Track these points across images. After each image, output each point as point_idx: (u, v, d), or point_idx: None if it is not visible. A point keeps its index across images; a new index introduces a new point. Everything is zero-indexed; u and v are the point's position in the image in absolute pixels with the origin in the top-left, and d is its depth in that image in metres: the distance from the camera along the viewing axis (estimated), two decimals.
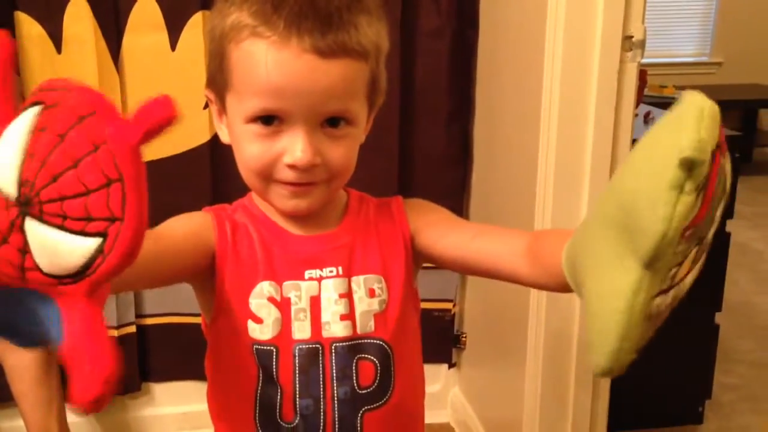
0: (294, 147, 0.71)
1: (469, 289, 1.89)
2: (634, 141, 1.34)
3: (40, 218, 0.43)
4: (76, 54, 1.53)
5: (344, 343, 0.78)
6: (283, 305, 0.77)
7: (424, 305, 1.92)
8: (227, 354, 0.80)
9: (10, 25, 1.50)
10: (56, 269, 0.44)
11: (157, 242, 0.69)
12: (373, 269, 0.80)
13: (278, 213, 0.80)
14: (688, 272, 0.53)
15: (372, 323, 0.78)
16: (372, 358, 0.79)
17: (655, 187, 0.48)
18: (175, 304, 1.74)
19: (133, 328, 1.73)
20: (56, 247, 0.43)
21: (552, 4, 1.29)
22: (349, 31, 0.70)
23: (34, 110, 0.45)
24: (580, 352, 1.43)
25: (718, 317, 1.94)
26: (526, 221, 1.41)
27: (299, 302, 0.77)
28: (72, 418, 1.66)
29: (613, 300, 0.52)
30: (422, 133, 1.75)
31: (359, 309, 0.78)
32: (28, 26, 1.50)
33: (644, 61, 1.33)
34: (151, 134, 0.43)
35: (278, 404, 0.78)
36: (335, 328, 0.77)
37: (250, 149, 0.73)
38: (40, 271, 0.44)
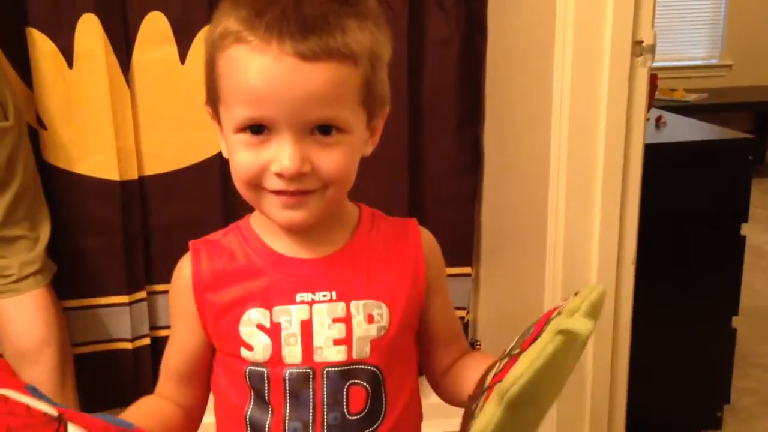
0: (281, 155, 0.69)
1: (482, 296, 1.88)
2: (646, 146, 1.34)
3: None
4: (87, 69, 1.54)
5: (337, 368, 0.76)
6: (272, 331, 0.76)
7: None
8: (223, 372, 0.81)
9: (23, 41, 1.52)
10: None
11: (190, 383, 0.79)
12: (374, 294, 0.78)
13: (274, 233, 0.79)
14: None
15: (368, 349, 0.77)
16: (363, 383, 0.77)
17: None
18: None
19: (147, 341, 1.73)
20: None
21: (561, 10, 1.29)
22: (335, 35, 0.68)
23: None
24: (596, 358, 1.42)
25: (735, 321, 1.92)
26: (539, 228, 1.40)
27: (290, 327, 0.76)
28: None
29: None
30: (432, 142, 1.74)
31: (356, 334, 0.77)
32: (41, 42, 1.51)
33: (654, 65, 1.33)
34: None
35: (267, 426, 0.77)
36: (328, 353, 0.76)
37: (239, 159, 0.72)
38: None
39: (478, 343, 1.90)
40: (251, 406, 0.78)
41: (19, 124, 1.41)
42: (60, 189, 1.56)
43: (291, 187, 0.71)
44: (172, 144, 1.62)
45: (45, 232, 1.45)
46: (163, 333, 1.76)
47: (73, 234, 1.60)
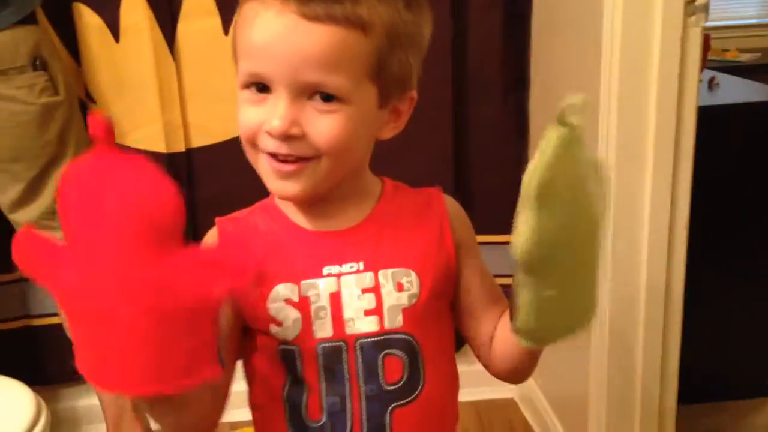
0: (273, 114, 0.69)
1: None
2: (699, 108, 1.30)
3: None
4: (133, 42, 1.55)
5: (370, 339, 0.75)
6: (302, 305, 0.75)
7: None
8: (256, 355, 0.79)
9: (71, 17, 1.54)
10: None
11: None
12: (402, 262, 0.77)
13: (297, 208, 0.78)
14: None
15: (400, 318, 0.76)
16: (399, 353, 0.76)
17: None
18: None
19: None
20: None
21: None
22: (344, 1, 0.67)
23: None
24: (648, 325, 1.40)
25: None
26: None
27: (318, 300, 0.75)
28: None
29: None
30: (477, 107, 1.73)
31: (387, 303, 0.76)
32: (88, 17, 1.53)
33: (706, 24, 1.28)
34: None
35: (305, 403, 0.76)
36: (360, 324, 0.75)
37: (241, 116, 0.72)
38: None
39: None
40: (288, 386, 0.77)
41: (70, 99, 1.43)
42: None
43: (282, 150, 0.70)
44: (217, 116, 1.64)
45: None
46: None
47: None
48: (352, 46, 0.68)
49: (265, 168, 0.72)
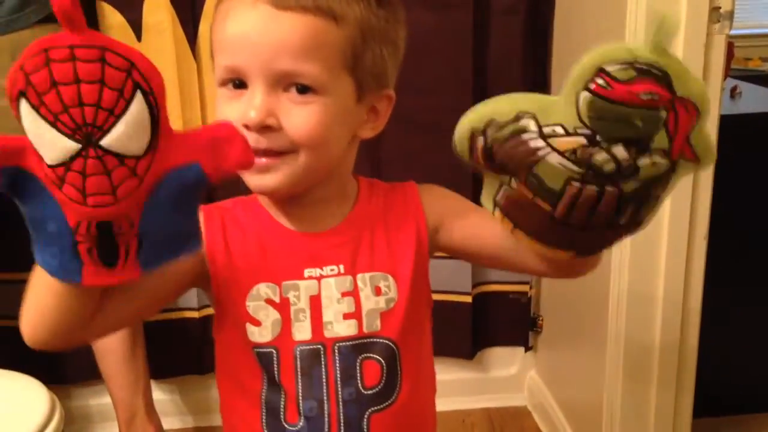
0: (249, 106, 0.69)
1: None
2: (721, 117, 1.29)
3: (104, 132, 0.50)
4: (155, 41, 1.56)
5: (348, 343, 0.75)
6: (282, 306, 0.75)
7: (499, 288, 1.92)
8: (232, 358, 0.78)
9: (94, 15, 1.55)
10: (145, 140, 0.52)
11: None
12: (380, 266, 0.77)
13: (279, 208, 0.77)
14: (560, 153, 0.56)
15: (378, 322, 0.76)
16: (377, 357, 0.76)
17: None
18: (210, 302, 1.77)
19: (212, 310, 1.76)
20: (130, 131, 0.51)
21: None
22: None
23: (23, 102, 0.50)
24: (664, 332, 1.39)
25: None
26: None
27: (298, 302, 0.75)
28: (157, 395, 1.71)
29: None
30: None
31: (366, 307, 0.75)
32: (111, 15, 1.54)
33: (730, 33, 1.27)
34: (74, 15, 0.49)
35: (282, 407, 0.76)
36: (338, 328, 0.75)
37: (219, 113, 0.72)
38: (140, 157, 0.52)
39: (540, 318, 1.88)
40: (265, 389, 0.76)
41: None
42: None
43: (260, 144, 0.69)
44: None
45: None
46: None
47: None
48: (324, 34, 0.69)
49: None
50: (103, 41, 0.50)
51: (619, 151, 0.55)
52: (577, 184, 0.57)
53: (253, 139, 0.69)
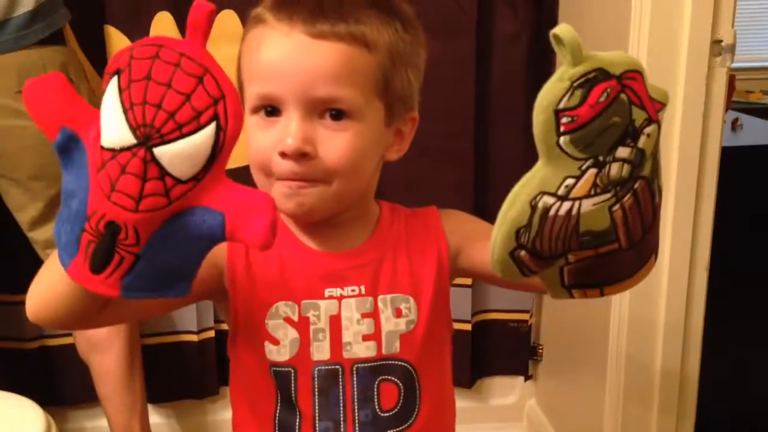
0: (285, 133, 0.69)
1: (547, 298, 1.85)
2: (722, 149, 1.29)
3: (163, 141, 0.50)
4: None
5: (366, 364, 0.75)
6: (300, 325, 0.74)
7: (499, 316, 1.91)
8: (246, 376, 0.78)
9: (101, 39, 1.56)
10: (193, 169, 0.51)
11: None
12: (401, 288, 0.77)
13: (303, 228, 0.78)
14: (586, 196, 0.56)
15: (398, 344, 0.76)
16: (395, 380, 0.76)
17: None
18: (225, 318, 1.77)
19: (212, 333, 1.76)
20: (185, 153, 0.50)
21: (636, 7, 1.26)
22: (347, 20, 0.69)
23: (114, 79, 0.51)
24: (665, 361, 1.38)
25: None
26: None
27: (318, 322, 0.74)
28: (154, 419, 1.70)
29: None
30: (498, 140, 1.73)
31: (385, 329, 0.75)
32: (118, 39, 1.55)
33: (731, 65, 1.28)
34: (204, 28, 0.51)
35: (297, 427, 0.75)
36: (357, 349, 0.75)
37: (253, 142, 0.72)
38: (181, 181, 0.51)
39: (540, 347, 1.87)
40: (279, 409, 0.76)
41: None
42: None
43: (296, 168, 0.69)
44: (238, 140, 1.65)
45: None
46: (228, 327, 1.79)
47: None
48: (358, 61, 0.70)
49: (279, 191, 0.71)
50: (210, 64, 0.50)
51: (622, 151, 0.56)
52: (617, 207, 0.57)
53: (290, 166, 0.69)
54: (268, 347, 0.75)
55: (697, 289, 1.36)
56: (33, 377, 1.68)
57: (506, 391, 1.93)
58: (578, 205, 0.56)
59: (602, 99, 0.54)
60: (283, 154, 0.69)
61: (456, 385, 1.90)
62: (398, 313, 0.76)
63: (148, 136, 0.50)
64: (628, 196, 0.57)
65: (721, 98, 1.27)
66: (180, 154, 0.50)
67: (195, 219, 0.52)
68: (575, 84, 0.54)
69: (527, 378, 1.91)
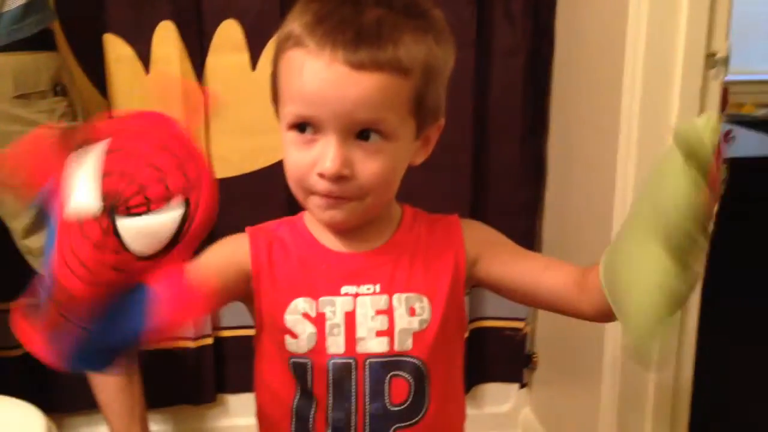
0: (325, 156, 0.72)
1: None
2: None
3: (129, 214, 0.50)
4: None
5: (379, 359, 0.79)
6: (317, 320, 0.79)
7: (495, 324, 1.92)
8: (268, 367, 0.83)
9: (99, 47, 1.58)
10: (152, 248, 0.51)
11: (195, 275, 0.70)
12: (416, 288, 0.80)
13: (323, 229, 0.82)
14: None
15: (410, 341, 0.79)
16: (406, 376, 0.79)
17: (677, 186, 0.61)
18: (251, 318, 1.78)
19: (210, 340, 1.77)
20: (148, 229, 0.50)
21: (632, 20, 1.28)
22: (386, 48, 0.71)
23: (99, 145, 0.52)
24: (659, 387, 1.39)
25: None
26: (603, 242, 1.39)
27: (333, 317, 0.79)
28: (153, 426, 1.70)
29: (646, 281, 0.63)
30: (496, 151, 1.75)
31: (398, 326, 0.79)
32: (119, 48, 1.57)
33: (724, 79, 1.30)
34: (204, 114, 0.50)
35: (312, 416, 0.80)
36: (371, 344, 0.79)
37: (290, 157, 0.76)
38: (137, 257, 0.51)
39: (535, 355, 1.89)
40: (297, 398, 0.80)
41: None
42: None
43: (333, 188, 0.73)
44: (240, 148, 1.66)
45: None
46: (225, 333, 1.80)
47: None
48: (395, 88, 0.73)
49: (316, 204, 0.76)
50: (197, 153, 0.52)
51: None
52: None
53: (327, 185, 0.73)
54: (288, 340, 0.79)
55: (691, 298, 1.37)
56: (33, 383, 1.69)
57: (501, 399, 1.94)
58: (694, 275, 0.66)
59: (717, 191, 0.63)
60: (322, 175, 0.73)
61: None
62: (412, 312, 0.79)
63: (113, 206, 0.50)
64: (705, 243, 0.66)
65: (714, 111, 1.29)
66: (141, 228, 0.50)
67: (137, 297, 0.52)
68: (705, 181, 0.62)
69: (522, 386, 1.92)
